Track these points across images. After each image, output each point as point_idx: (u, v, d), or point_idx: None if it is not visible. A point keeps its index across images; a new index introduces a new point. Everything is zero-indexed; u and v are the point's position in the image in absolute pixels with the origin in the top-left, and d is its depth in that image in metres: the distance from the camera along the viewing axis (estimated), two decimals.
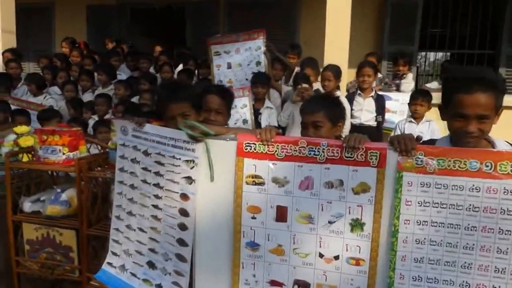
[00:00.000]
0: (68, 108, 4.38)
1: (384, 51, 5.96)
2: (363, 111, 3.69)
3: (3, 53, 5.24)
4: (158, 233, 1.98)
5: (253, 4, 6.55)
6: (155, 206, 1.97)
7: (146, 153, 2.00)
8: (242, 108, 3.93)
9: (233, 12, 6.69)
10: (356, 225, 1.68)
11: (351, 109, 3.68)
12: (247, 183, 1.77)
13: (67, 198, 2.54)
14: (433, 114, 3.72)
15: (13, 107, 4.48)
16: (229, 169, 1.79)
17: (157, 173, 1.96)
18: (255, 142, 1.75)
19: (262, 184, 1.75)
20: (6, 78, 4.84)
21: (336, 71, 3.67)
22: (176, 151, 1.89)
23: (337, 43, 4.26)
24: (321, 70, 3.93)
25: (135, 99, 4.51)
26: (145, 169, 2.01)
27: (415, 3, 5.98)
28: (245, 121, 3.89)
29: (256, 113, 3.90)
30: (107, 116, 4.20)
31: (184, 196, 1.88)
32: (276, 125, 3.80)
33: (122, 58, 5.30)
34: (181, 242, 1.89)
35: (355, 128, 3.62)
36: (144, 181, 2.02)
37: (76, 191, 2.58)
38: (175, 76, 4.84)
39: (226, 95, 2.33)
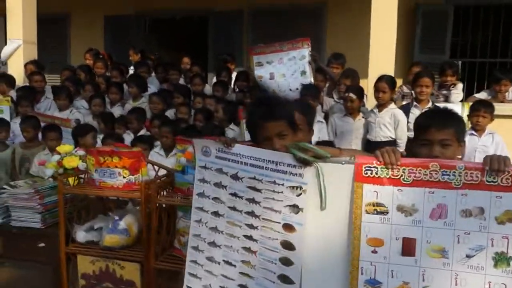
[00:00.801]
0: (98, 122, 4.14)
1: (414, 60, 5.79)
2: None
3: (25, 65, 5.01)
4: (252, 268, 1.74)
5: (278, 14, 6.39)
6: (248, 237, 1.74)
7: (235, 177, 1.77)
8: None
9: (258, 22, 6.52)
10: (501, 259, 1.45)
11: (407, 122, 3.48)
12: (367, 212, 1.54)
13: (126, 226, 2.30)
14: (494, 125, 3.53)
15: None
16: (344, 197, 1.56)
17: (251, 200, 1.73)
18: (377, 166, 1.53)
19: (385, 213, 1.53)
20: (29, 92, 4.60)
21: (391, 82, 3.49)
22: (277, 175, 1.66)
23: (382, 53, 4.08)
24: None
25: (168, 113, 4.29)
26: (234, 195, 1.78)
27: (445, 11, 5.85)
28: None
29: None
30: (141, 132, 3.97)
31: (288, 227, 1.65)
32: (327, 139, 3.58)
33: (150, 69, 5.08)
34: (284, 279, 1.66)
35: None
36: (233, 209, 1.79)
37: (133, 217, 2.36)
38: (209, 88, 4.64)
39: (306, 109, 2.11)
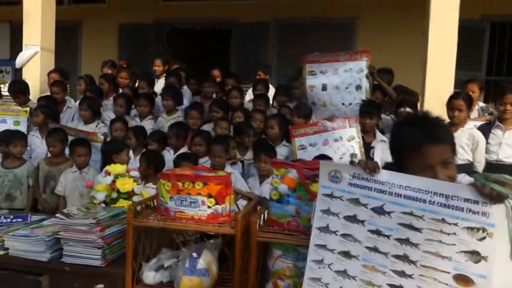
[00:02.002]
0: (129, 137, 3.73)
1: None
2: (502, 146, 3.18)
3: (49, 74, 4.60)
4: None
5: (306, 27, 6.14)
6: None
7: (380, 211, 1.42)
8: (349, 141, 3.38)
9: (284, 34, 6.26)
10: None
11: (487, 143, 3.17)
12: None
13: (205, 266, 1.91)
14: None
15: None
16: None
17: (405, 241, 1.37)
18: None
19: None
20: (52, 102, 4.19)
21: (468, 99, 3.18)
22: (448, 212, 1.31)
23: (440, 69, 3.82)
24: None
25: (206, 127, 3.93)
26: (376, 232, 1.42)
27: (481, 28, 5.67)
28: (353, 155, 3.34)
29: (367, 147, 3.35)
30: (183, 149, 3.58)
31: (463, 279, 1.28)
32: (390, 161, 3.24)
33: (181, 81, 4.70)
34: None
35: (492, 166, 3.11)
36: (374, 250, 1.42)
37: (211, 254, 1.97)
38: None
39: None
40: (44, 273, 1.94)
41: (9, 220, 2.20)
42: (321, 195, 1.56)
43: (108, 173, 2.39)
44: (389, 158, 3.32)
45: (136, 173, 2.43)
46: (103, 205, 2.26)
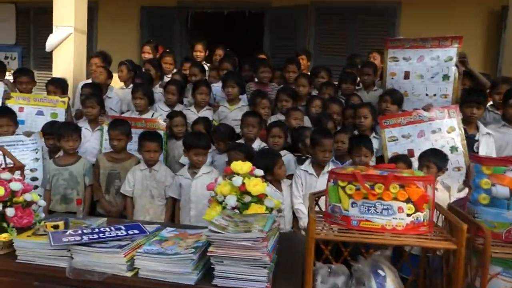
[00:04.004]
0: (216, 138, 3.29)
1: (501, 68, 5.36)
2: None
3: (90, 58, 4.09)
4: None
5: (345, 11, 5.80)
6: None
7: None
8: (449, 133, 3.09)
9: (322, 19, 5.89)
10: None
11: None
12: None
13: (394, 286, 1.58)
14: None
15: (106, 127, 3.39)
16: None
17: None
18: None
19: None
20: (97, 89, 3.72)
21: None
22: None
23: None
24: None
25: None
26: None
27: None
28: (453, 149, 3.06)
29: (470, 140, 3.07)
30: (257, 143, 3.21)
31: None
32: (495, 156, 2.99)
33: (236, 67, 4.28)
34: None
35: None
36: None
37: (394, 271, 1.65)
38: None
39: None
40: None
41: (124, 232, 1.79)
42: None
43: (231, 173, 2.01)
44: (493, 153, 3.08)
45: (260, 172, 2.06)
46: (236, 211, 1.89)
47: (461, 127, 3.08)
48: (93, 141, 3.44)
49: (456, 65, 3.32)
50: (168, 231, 1.92)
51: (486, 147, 3.03)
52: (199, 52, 4.73)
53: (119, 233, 1.78)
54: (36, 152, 3.26)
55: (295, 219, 2.84)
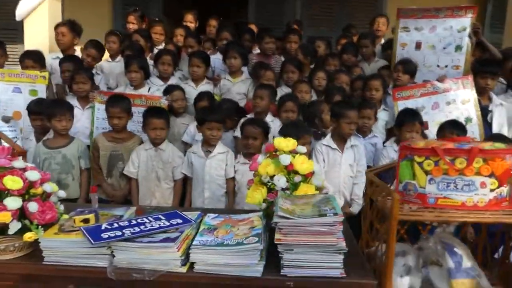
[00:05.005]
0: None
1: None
2: None
3: (56, 28, 3.63)
4: None
5: None
6: None
7: None
8: (463, 104, 3.06)
9: None
10: None
11: None
12: None
13: (472, 262, 1.51)
14: None
15: (98, 105, 3.09)
16: None
17: None
18: None
19: None
20: (81, 62, 3.35)
21: None
22: None
23: None
24: None
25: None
26: None
27: None
28: (468, 120, 3.03)
29: (483, 111, 3.05)
30: (268, 118, 3.03)
31: None
32: (507, 128, 3.00)
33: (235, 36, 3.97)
34: None
35: None
36: None
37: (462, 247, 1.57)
38: None
39: None
40: None
41: (166, 223, 1.57)
42: None
43: (275, 150, 1.83)
44: (505, 124, 3.09)
45: (303, 149, 1.89)
46: (288, 191, 1.72)
47: (476, 98, 3.05)
48: (84, 120, 3.11)
49: (470, 36, 3.27)
50: (211, 217, 1.73)
51: (500, 117, 3.03)
52: (190, 22, 4.39)
53: (162, 224, 1.57)
54: (16, 140, 2.89)
55: None
